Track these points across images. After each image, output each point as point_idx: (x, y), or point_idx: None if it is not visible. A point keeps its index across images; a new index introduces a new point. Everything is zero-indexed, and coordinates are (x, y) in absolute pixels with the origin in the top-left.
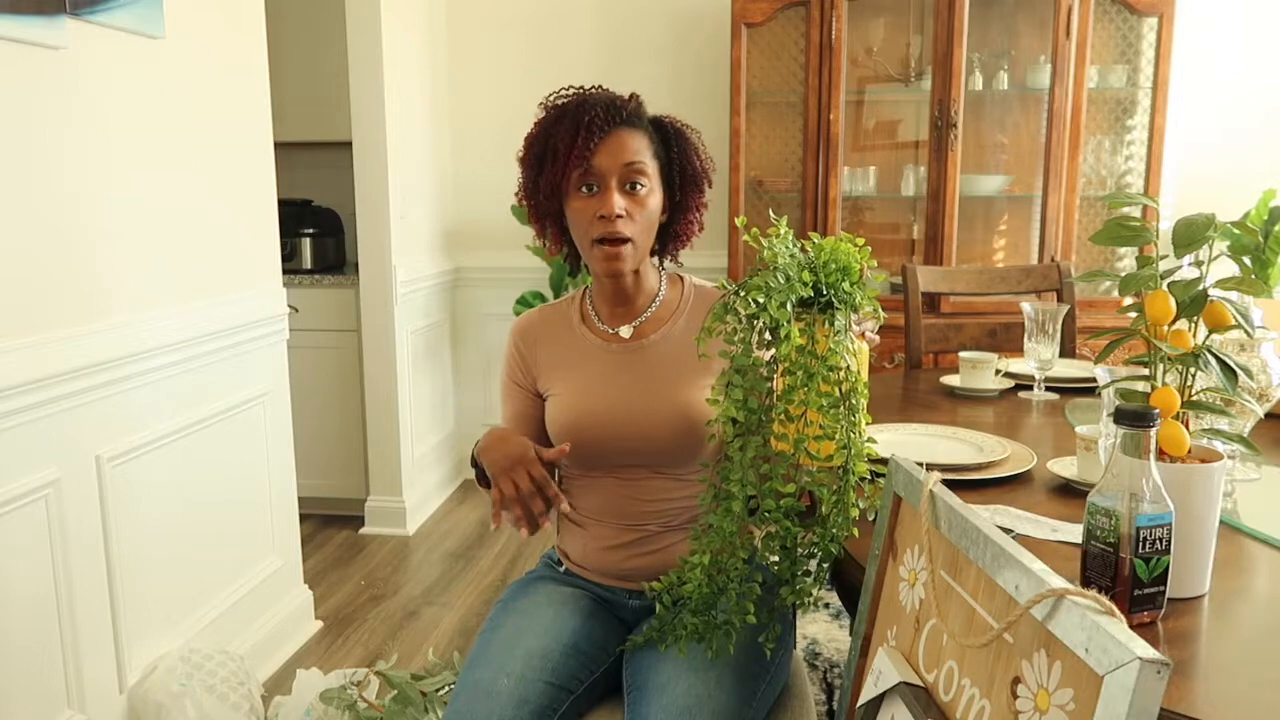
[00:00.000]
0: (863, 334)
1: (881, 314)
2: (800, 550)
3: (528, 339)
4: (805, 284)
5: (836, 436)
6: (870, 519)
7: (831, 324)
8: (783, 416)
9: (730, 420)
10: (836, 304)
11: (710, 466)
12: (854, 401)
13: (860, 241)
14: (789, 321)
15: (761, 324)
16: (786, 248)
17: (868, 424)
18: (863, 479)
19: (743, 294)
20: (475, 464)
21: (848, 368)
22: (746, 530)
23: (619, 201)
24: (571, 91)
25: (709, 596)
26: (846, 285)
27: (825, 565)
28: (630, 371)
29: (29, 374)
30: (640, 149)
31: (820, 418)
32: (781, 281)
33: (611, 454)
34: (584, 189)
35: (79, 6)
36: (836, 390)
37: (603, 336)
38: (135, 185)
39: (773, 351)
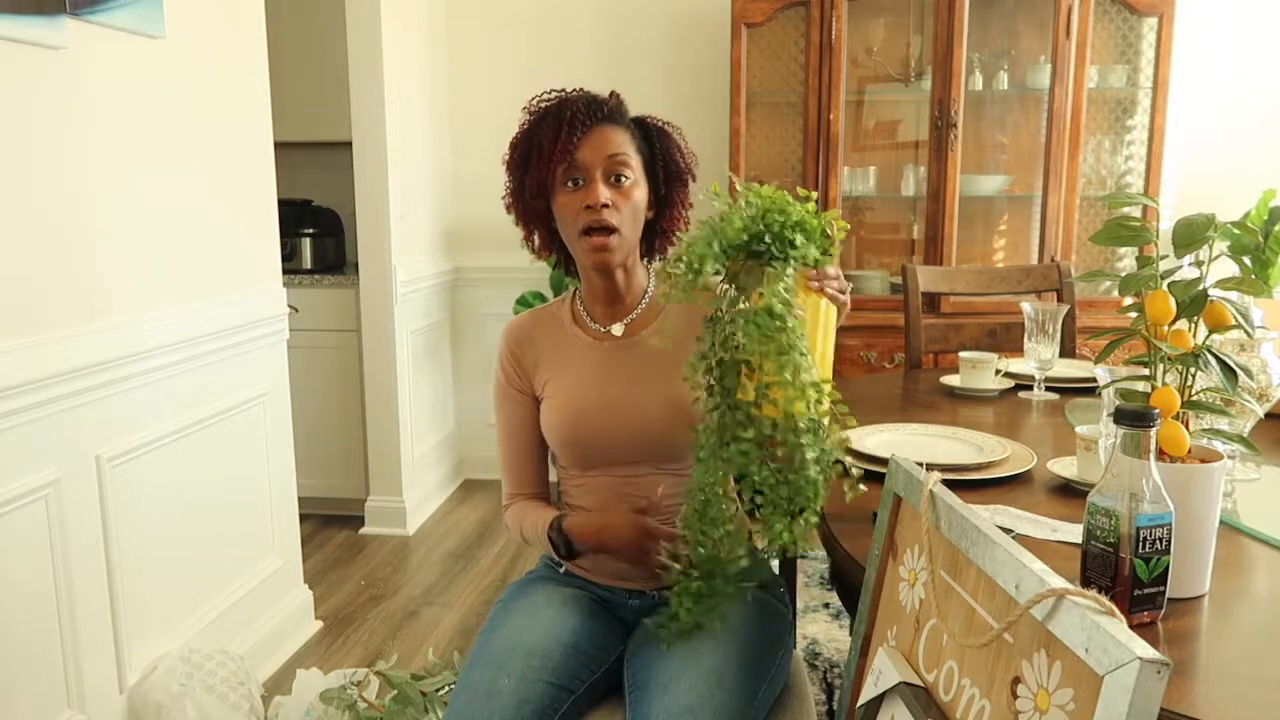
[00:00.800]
0: (821, 289)
1: (834, 270)
2: (775, 494)
3: (520, 342)
4: (737, 227)
5: (792, 384)
6: (835, 461)
7: (776, 274)
8: (745, 369)
9: (703, 381)
10: (776, 254)
11: (697, 431)
12: (803, 349)
13: (805, 193)
14: (714, 260)
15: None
16: (745, 200)
17: (829, 387)
18: (816, 424)
19: (684, 242)
20: (562, 547)
21: (790, 318)
22: (727, 482)
23: (604, 192)
24: (553, 94)
25: (708, 561)
26: (799, 238)
27: (805, 516)
28: (623, 369)
29: (29, 374)
30: (623, 143)
31: (773, 366)
32: (713, 226)
33: (608, 451)
34: (569, 184)
35: (79, 6)
36: (783, 339)
37: (594, 335)
38: (135, 185)
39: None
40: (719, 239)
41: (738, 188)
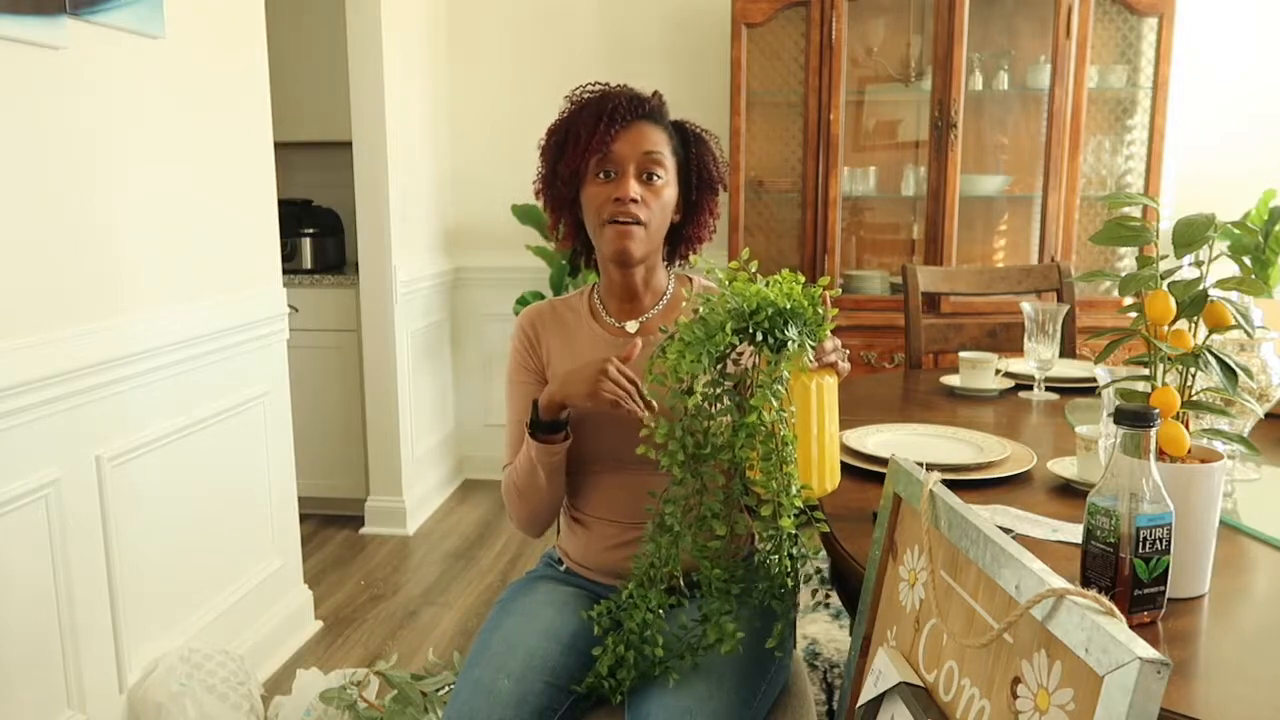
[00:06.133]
0: (834, 365)
1: (835, 342)
2: (731, 590)
3: (537, 327)
4: (728, 334)
5: (768, 488)
6: (805, 582)
7: (767, 380)
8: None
9: (670, 456)
10: (770, 346)
11: (657, 496)
12: (785, 453)
13: (801, 279)
14: (704, 374)
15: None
16: (732, 293)
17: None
18: (791, 534)
19: (672, 340)
20: (537, 424)
21: (778, 416)
22: (687, 562)
23: (634, 187)
24: (597, 87)
25: (640, 624)
26: (792, 331)
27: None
28: (632, 366)
29: (29, 374)
30: (659, 142)
31: (761, 468)
32: (700, 334)
33: (613, 449)
34: (602, 175)
35: (79, 6)
36: (770, 443)
37: (609, 330)
38: (135, 186)
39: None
40: (708, 352)
41: (718, 282)
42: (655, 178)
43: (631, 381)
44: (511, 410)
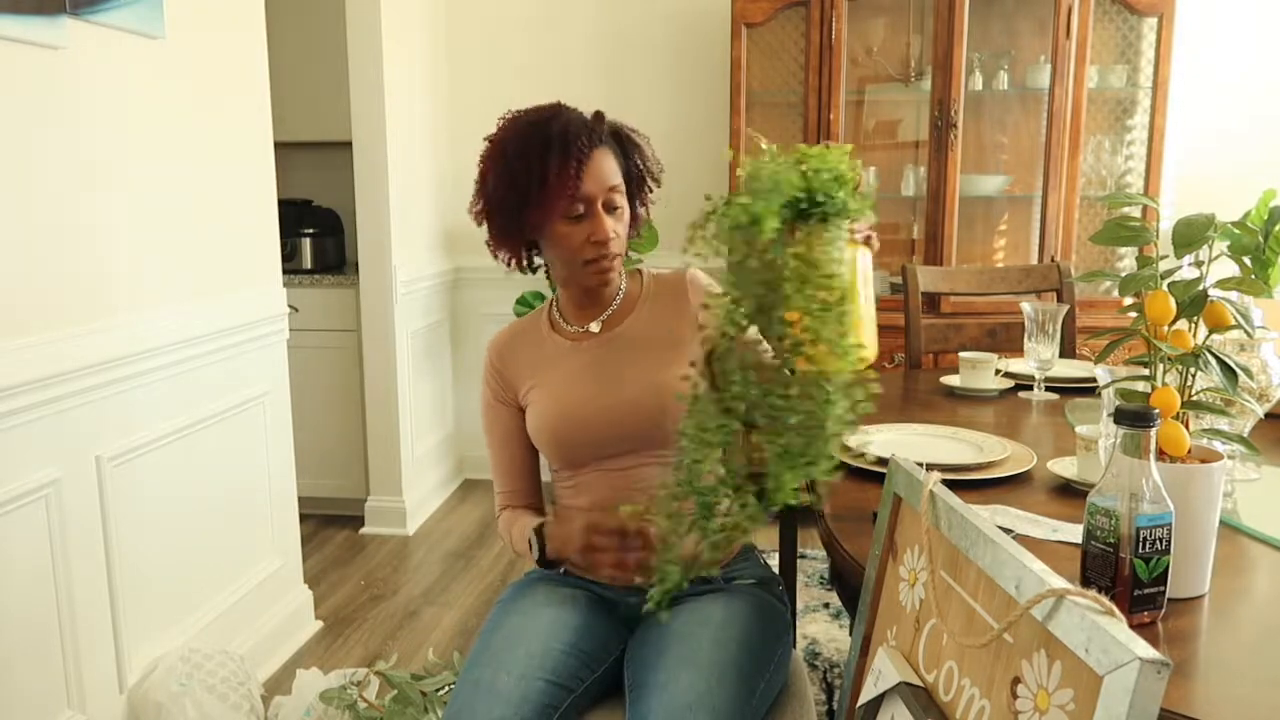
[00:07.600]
0: (867, 239)
1: (873, 216)
2: (790, 445)
3: (502, 355)
4: (794, 185)
5: (825, 339)
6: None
7: (825, 232)
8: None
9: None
10: (830, 212)
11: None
12: (845, 307)
13: (849, 148)
14: (775, 217)
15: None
16: (772, 161)
17: (858, 343)
18: (849, 386)
19: (728, 203)
20: (543, 560)
21: (838, 275)
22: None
23: (609, 225)
24: (537, 116)
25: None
26: (841, 194)
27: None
28: (604, 363)
29: (29, 374)
30: (615, 170)
31: (811, 323)
32: (769, 185)
33: (595, 446)
34: (570, 215)
35: (79, 6)
36: (829, 296)
37: (573, 337)
38: (135, 186)
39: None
40: (778, 195)
41: (763, 146)
42: (619, 207)
43: (614, 532)
44: (493, 444)
